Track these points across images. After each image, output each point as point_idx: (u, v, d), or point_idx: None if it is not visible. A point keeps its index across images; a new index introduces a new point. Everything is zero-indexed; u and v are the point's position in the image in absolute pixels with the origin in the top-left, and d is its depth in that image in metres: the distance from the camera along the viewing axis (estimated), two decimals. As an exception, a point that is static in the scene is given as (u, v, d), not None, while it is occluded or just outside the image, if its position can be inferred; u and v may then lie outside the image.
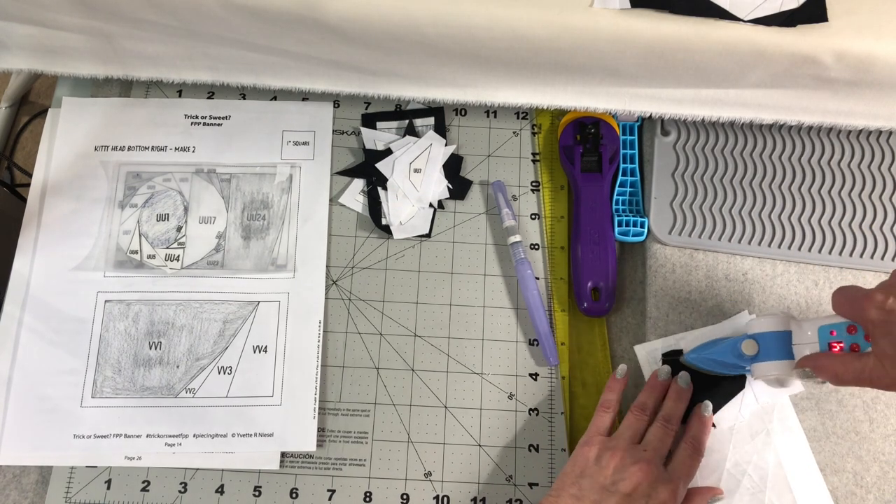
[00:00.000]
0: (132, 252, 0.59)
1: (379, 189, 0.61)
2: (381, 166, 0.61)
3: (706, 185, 0.59)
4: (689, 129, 0.61)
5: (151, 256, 0.58)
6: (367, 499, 0.53)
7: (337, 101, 0.64)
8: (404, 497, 0.53)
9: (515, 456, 0.54)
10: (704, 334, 0.55)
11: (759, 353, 0.48)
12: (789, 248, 0.57)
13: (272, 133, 0.62)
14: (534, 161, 0.62)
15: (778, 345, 0.47)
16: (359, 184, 0.61)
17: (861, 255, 0.57)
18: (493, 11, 0.50)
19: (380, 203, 0.60)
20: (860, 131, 0.59)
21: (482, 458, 0.54)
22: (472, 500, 0.53)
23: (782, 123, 0.56)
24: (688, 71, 0.53)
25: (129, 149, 0.61)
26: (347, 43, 0.53)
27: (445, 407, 0.55)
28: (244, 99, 0.63)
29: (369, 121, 0.63)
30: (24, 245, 0.58)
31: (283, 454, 0.54)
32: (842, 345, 0.44)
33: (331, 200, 0.61)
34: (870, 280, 0.56)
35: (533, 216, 0.61)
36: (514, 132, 0.63)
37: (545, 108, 0.58)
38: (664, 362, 0.54)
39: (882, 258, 0.56)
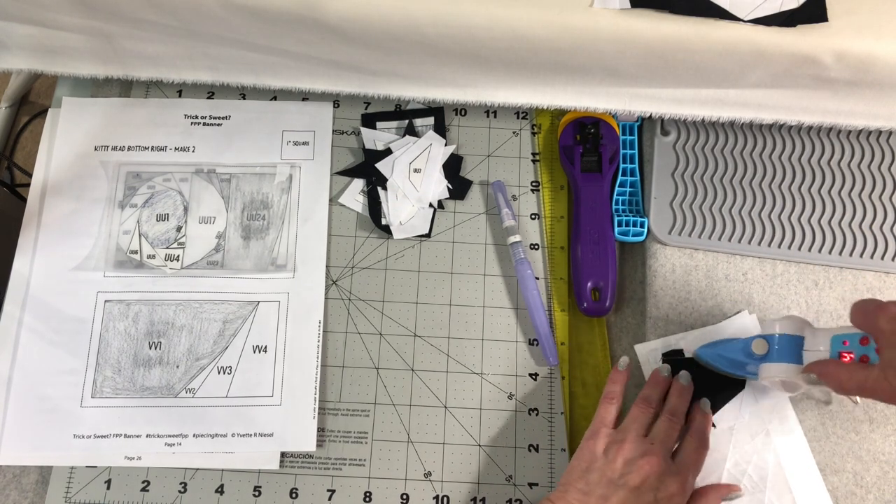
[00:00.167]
0: (132, 252, 0.59)
1: (379, 189, 0.61)
2: (381, 166, 0.61)
3: (706, 185, 0.59)
4: (689, 129, 0.61)
5: (151, 256, 0.58)
6: (367, 499, 0.53)
7: (337, 101, 0.64)
8: (404, 497, 0.53)
9: (515, 456, 0.54)
10: (704, 334, 0.55)
11: (769, 354, 0.47)
12: (789, 248, 0.57)
13: (272, 133, 0.62)
14: (534, 161, 0.62)
15: (788, 348, 0.47)
16: (359, 184, 0.61)
17: (861, 255, 0.57)
18: (493, 11, 0.50)
19: (380, 203, 0.60)
20: (860, 131, 0.59)
21: (482, 458, 0.54)
22: (472, 500, 0.53)
23: (782, 123, 0.56)
24: (688, 71, 0.53)
25: (129, 149, 0.61)
26: (347, 43, 0.53)
27: (445, 407, 0.55)
28: (244, 99, 0.63)
29: (369, 121, 0.63)
30: (24, 245, 0.58)
31: (283, 454, 0.54)
32: (852, 355, 0.43)
33: (331, 200, 0.61)
34: (870, 280, 0.56)
35: (533, 216, 0.61)
36: (514, 132, 0.63)
37: (545, 108, 0.58)
38: (664, 362, 0.54)
39: (882, 258, 0.56)
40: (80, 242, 0.58)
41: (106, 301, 0.57)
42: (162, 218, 0.60)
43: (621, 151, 0.60)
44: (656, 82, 0.55)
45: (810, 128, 0.60)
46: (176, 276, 0.58)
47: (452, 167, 0.62)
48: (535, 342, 0.57)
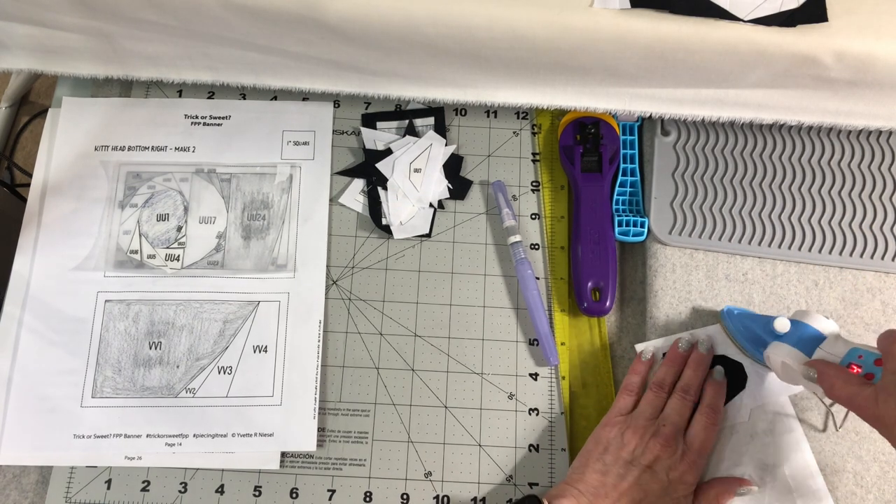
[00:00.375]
0: (132, 252, 0.59)
1: (379, 189, 0.61)
2: (381, 166, 0.61)
3: (706, 185, 0.59)
4: (689, 129, 0.61)
5: (151, 256, 0.58)
6: (368, 499, 0.53)
7: (337, 101, 0.64)
8: (404, 497, 0.53)
9: (515, 456, 0.54)
10: (704, 334, 0.55)
11: (786, 336, 0.48)
12: (789, 248, 0.57)
13: (272, 133, 0.62)
14: (534, 161, 0.62)
15: (806, 339, 0.47)
16: (359, 184, 0.61)
17: (861, 255, 0.57)
18: (493, 11, 0.50)
19: (380, 203, 0.60)
20: (860, 131, 0.60)
21: (482, 458, 0.54)
22: (472, 500, 0.53)
23: (782, 123, 0.56)
24: (688, 71, 0.53)
25: (130, 149, 0.61)
26: (347, 43, 0.53)
27: (445, 407, 0.55)
28: (244, 99, 0.63)
29: (369, 121, 0.63)
30: (24, 245, 0.58)
31: (284, 454, 0.54)
32: (860, 369, 0.43)
33: (331, 200, 0.61)
34: (870, 280, 0.56)
35: (533, 216, 0.61)
36: (514, 132, 0.63)
37: (545, 108, 0.58)
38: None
39: (882, 258, 0.56)
40: (80, 242, 0.58)
41: (106, 301, 0.57)
42: (162, 218, 0.60)
43: (621, 151, 0.60)
44: (656, 82, 0.55)
45: (810, 128, 0.60)
46: (176, 276, 0.58)
47: (453, 167, 0.62)
48: (536, 342, 0.57)
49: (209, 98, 0.64)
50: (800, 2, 0.50)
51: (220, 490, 0.53)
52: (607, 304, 0.56)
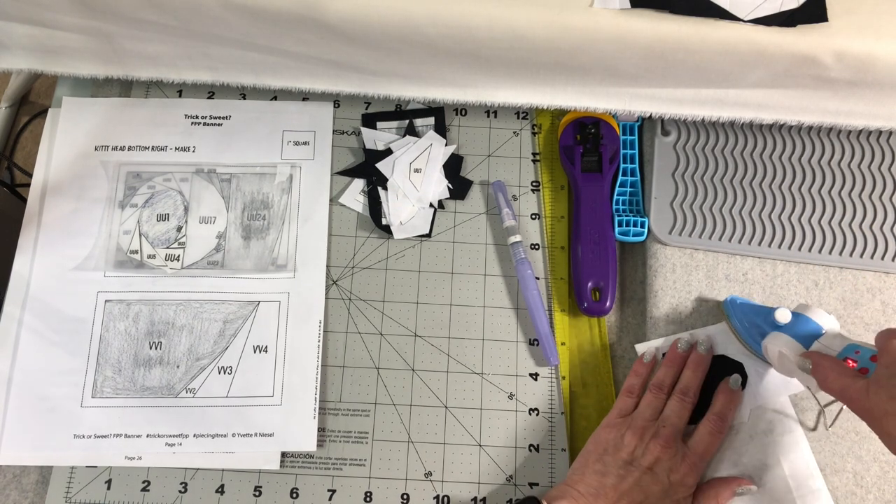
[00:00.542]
0: (132, 252, 0.59)
1: (379, 189, 0.61)
2: (382, 166, 0.61)
3: (706, 185, 0.59)
4: (689, 129, 0.61)
5: (151, 256, 0.58)
6: (368, 499, 0.53)
7: (337, 101, 0.64)
8: (404, 497, 0.53)
9: (515, 456, 0.54)
10: (704, 334, 0.55)
11: (785, 327, 0.48)
12: (789, 248, 0.57)
13: (272, 133, 0.62)
14: (534, 161, 0.62)
15: (806, 332, 0.47)
16: (359, 184, 0.61)
17: (861, 255, 0.57)
18: (493, 11, 0.50)
19: (380, 203, 0.60)
20: (860, 131, 0.60)
21: (482, 458, 0.54)
22: (472, 500, 0.53)
23: (782, 123, 0.56)
24: (688, 71, 0.53)
25: (130, 149, 0.61)
26: (347, 43, 0.53)
27: (446, 407, 0.55)
28: (244, 99, 0.63)
29: (369, 121, 0.63)
30: (24, 245, 0.58)
31: (284, 454, 0.54)
32: (856, 364, 0.43)
33: (331, 200, 0.61)
34: (870, 280, 0.56)
35: (533, 216, 0.61)
36: (514, 132, 0.63)
37: (545, 108, 0.58)
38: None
39: (882, 258, 0.56)
40: (80, 242, 0.58)
41: (106, 301, 0.57)
42: (162, 218, 0.60)
43: (621, 151, 0.60)
44: (656, 82, 0.55)
45: (810, 128, 0.60)
46: (176, 276, 0.58)
47: (453, 167, 0.62)
48: (536, 342, 0.57)
49: (209, 98, 0.64)
50: (800, 2, 0.50)
51: (221, 490, 0.53)
52: (607, 304, 0.56)
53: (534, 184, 0.62)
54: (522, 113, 0.64)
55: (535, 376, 0.56)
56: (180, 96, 0.64)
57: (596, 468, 0.48)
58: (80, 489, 0.53)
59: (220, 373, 0.55)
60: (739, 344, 0.53)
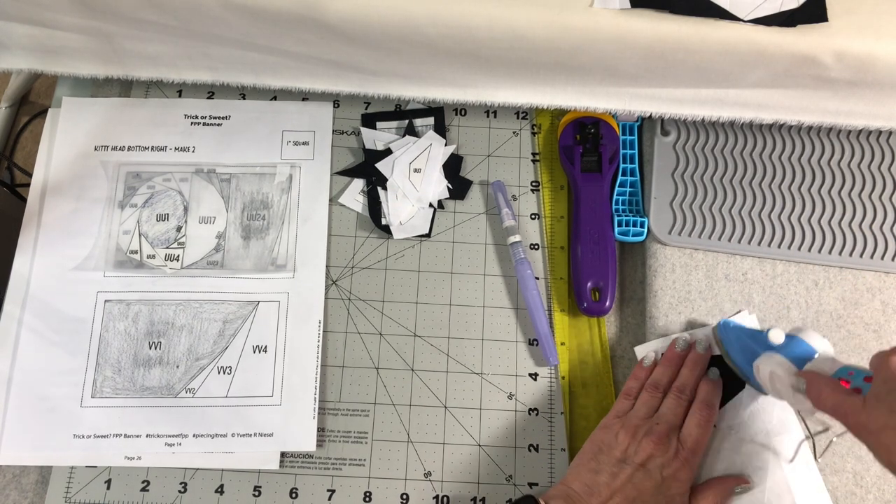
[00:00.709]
0: (132, 252, 0.59)
1: (379, 189, 0.61)
2: (381, 166, 0.61)
3: (706, 185, 0.59)
4: (689, 129, 0.61)
5: (151, 256, 0.58)
6: (367, 499, 0.53)
7: (337, 101, 0.64)
8: (404, 497, 0.53)
9: (515, 456, 0.54)
10: (704, 334, 0.55)
11: (779, 347, 0.47)
12: (789, 248, 0.57)
13: (272, 133, 0.62)
14: (534, 161, 0.62)
15: (798, 353, 0.46)
16: (359, 184, 0.61)
17: (861, 255, 0.57)
18: (493, 11, 0.50)
19: (380, 203, 0.60)
20: (860, 131, 0.59)
21: (482, 458, 0.54)
22: (471, 500, 0.53)
23: (782, 123, 0.56)
24: (688, 71, 0.53)
25: (129, 149, 0.61)
26: (347, 43, 0.53)
27: (445, 407, 0.55)
28: (244, 99, 0.63)
29: (369, 121, 0.63)
30: (24, 245, 0.58)
31: (283, 454, 0.54)
32: (849, 385, 0.43)
33: (331, 200, 0.61)
34: (870, 280, 0.56)
35: (533, 216, 0.61)
36: (514, 132, 0.63)
37: (545, 107, 0.58)
38: None
39: (882, 258, 0.56)
40: (80, 242, 0.58)
41: (106, 301, 0.57)
42: (162, 218, 0.60)
43: (621, 151, 0.60)
44: (656, 82, 0.55)
45: (810, 128, 0.60)
46: (176, 276, 0.58)
47: (452, 167, 0.62)
48: (535, 342, 0.57)
49: (209, 98, 0.64)
50: (800, 2, 0.50)
51: (220, 490, 0.53)
52: (607, 304, 0.56)
53: (533, 184, 0.62)
54: (522, 113, 0.64)
55: (534, 376, 0.56)
56: (180, 96, 0.64)
57: (590, 467, 0.48)
58: (80, 489, 0.53)
59: (219, 373, 0.55)
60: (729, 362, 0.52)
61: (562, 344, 0.57)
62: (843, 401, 0.41)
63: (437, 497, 0.53)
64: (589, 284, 0.57)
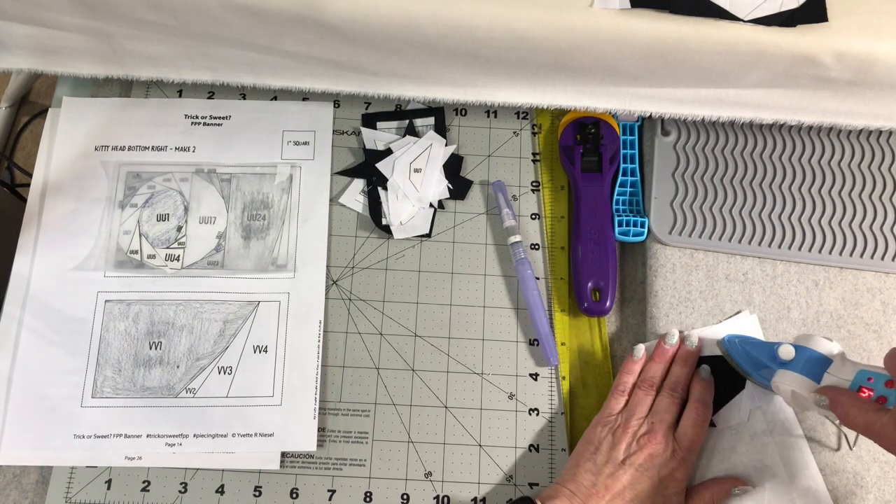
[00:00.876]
0: (132, 252, 0.59)
1: (379, 189, 0.61)
2: (382, 166, 0.61)
3: (706, 185, 0.59)
4: (689, 129, 0.61)
5: (151, 256, 0.58)
6: (368, 499, 0.53)
7: (337, 101, 0.64)
8: (404, 497, 0.53)
9: (515, 456, 0.54)
10: (705, 334, 0.55)
11: (792, 363, 0.47)
12: (789, 248, 0.57)
13: (272, 133, 0.62)
14: (534, 161, 0.62)
15: (812, 364, 0.46)
16: (359, 184, 0.61)
17: (861, 255, 0.57)
18: (493, 11, 0.50)
19: (380, 203, 0.60)
20: (860, 131, 0.60)
21: (482, 458, 0.54)
22: (472, 501, 0.53)
23: (782, 123, 0.56)
24: (688, 71, 0.53)
25: (129, 149, 0.61)
26: (347, 43, 0.53)
27: (445, 407, 0.55)
28: (244, 99, 0.63)
29: (369, 121, 0.63)
30: (24, 245, 0.58)
31: (284, 454, 0.54)
32: (871, 392, 0.43)
33: (331, 200, 0.61)
34: (870, 280, 0.56)
35: (533, 216, 0.61)
36: (514, 132, 0.63)
37: (545, 107, 0.58)
38: None
39: (882, 258, 0.56)
40: (80, 242, 0.58)
41: (106, 301, 0.57)
42: (162, 218, 0.60)
43: (621, 151, 0.60)
44: (656, 82, 0.55)
45: (810, 128, 0.60)
46: (176, 276, 0.58)
47: (453, 167, 0.62)
48: (536, 342, 0.57)
49: (209, 98, 0.64)
50: (800, 2, 0.50)
51: (220, 490, 0.53)
52: (607, 304, 0.56)
53: (534, 184, 0.62)
54: (522, 113, 0.64)
55: (535, 376, 0.56)
56: (180, 96, 0.64)
57: (587, 467, 0.48)
58: (80, 489, 0.53)
59: (220, 373, 0.55)
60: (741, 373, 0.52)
61: (562, 344, 0.57)
62: (873, 421, 0.40)
63: (437, 497, 0.53)
64: (589, 284, 0.57)
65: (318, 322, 0.57)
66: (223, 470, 0.54)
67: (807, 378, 0.46)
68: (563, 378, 0.56)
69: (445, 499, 0.53)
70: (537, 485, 0.53)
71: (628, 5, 0.50)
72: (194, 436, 0.54)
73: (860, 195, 0.58)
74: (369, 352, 0.57)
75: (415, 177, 0.61)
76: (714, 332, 0.55)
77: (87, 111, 0.62)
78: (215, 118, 0.63)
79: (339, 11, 0.50)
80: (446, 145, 0.62)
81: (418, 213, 0.60)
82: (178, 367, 0.56)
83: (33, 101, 1.26)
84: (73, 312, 0.56)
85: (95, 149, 0.61)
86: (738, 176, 0.59)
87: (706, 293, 0.56)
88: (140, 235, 0.59)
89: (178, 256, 0.59)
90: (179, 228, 0.59)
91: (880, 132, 0.60)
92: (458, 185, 0.61)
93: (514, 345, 0.57)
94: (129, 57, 0.58)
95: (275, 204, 0.60)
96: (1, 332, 0.56)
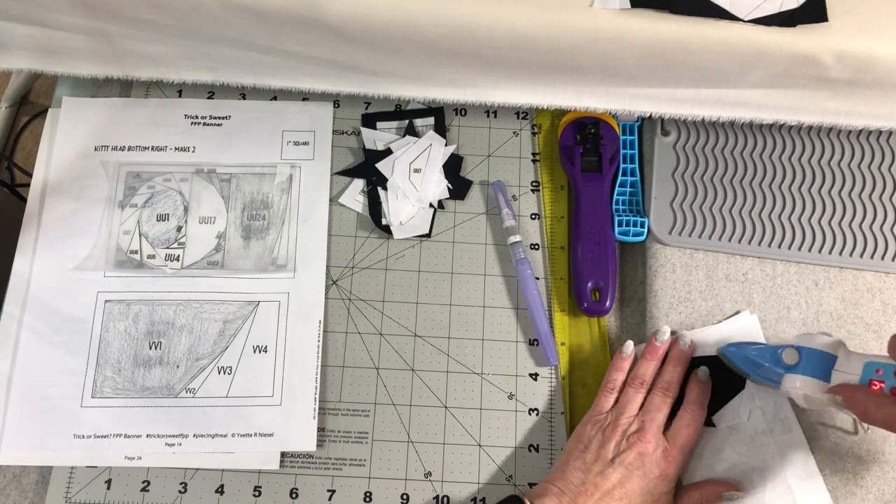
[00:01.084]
0: (132, 252, 0.59)
1: (379, 189, 0.61)
2: (381, 166, 0.61)
3: (706, 185, 0.59)
4: (689, 129, 0.61)
5: (151, 256, 0.58)
6: (367, 499, 0.53)
7: (337, 101, 0.64)
8: (404, 497, 0.53)
9: (515, 456, 0.54)
10: (705, 334, 0.55)
11: (797, 365, 0.47)
12: (789, 248, 0.57)
13: (272, 133, 0.62)
14: (534, 161, 0.62)
15: (819, 364, 0.46)
16: (359, 184, 0.61)
17: (861, 255, 0.57)
18: (493, 11, 0.50)
19: (380, 203, 0.60)
20: (860, 131, 0.59)
21: (482, 458, 0.54)
22: (472, 500, 0.53)
23: (782, 123, 0.56)
24: (688, 71, 0.53)
25: (129, 149, 0.61)
26: (347, 43, 0.53)
27: (445, 407, 0.55)
28: (244, 99, 0.63)
29: (369, 121, 0.63)
30: (24, 245, 0.58)
31: (283, 454, 0.54)
32: (883, 385, 0.42)
33: (331, 200, 0.61)
34: (870, 280, 0.56)
35: (533, 216, 0.61)
36: (514, 132, 0.63)
37: (545, 108, 0.58)
38: None
39: (882, 258, 0.56)
40: (80, 242, 0.58)
41: (106, 301, 0.57)
42: (162, 218, 0.60)
43: (621, 151, 0.60)
44: (656, 82, 0.55)
45: (810, 128, 0.60)
46: (176, 276, 0.58)
47: (453, 167, 0.62)
48: (536, 342, 0.57)
49: (209, 98, 0.64)
50: (800, 2, 0.50)
51: (220, 490, 0.53)
52: (607, 304, 0.56)
53: (534, 184, 0.62)
54: (522, 113, 0.64)
55: (534, 376, 0.56)
56: (180, 96, 0.64)
57: (577, 465, 0.48)
58: (80, 489, 0.53)
59: (219, 373, 0.55)
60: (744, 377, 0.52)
61: (562, 344, 0.57)
62: (892, 415, 0.40)
63: (437, 497, 0.53)
64: (589, 284, 0.57)
65: (317, 322, 0.57)
66: (223, 470, 0.54)
67: (816, 379, 0.46)
68: (563, 378, 0.56)
69: (445, 499, 0.53)
70: (536, 484, 0.53)
71: (628, 5, 0.50)
72: (194, 436, 0.54)
73: (860, 195, 0.58)
74: (369, 352, 0.57)
75: (415, 177, 0.61)
76: (712, 332, 0.55)
77: (87, 111, 0.62)
78: (215, 118, 0.63)
79: (339, 11, 0.50)
80: (446, 145, 0.62)
81: (418, 213, 0.60)
82: (177, 367, 0.56)
83: (33, 101, 1.26)
84: (73, 312, 0.56)
85: (95, 149, 0.61)
86: (738, 176, 0.59)
87: (706, 293, 0.56)
88: (140, 235, 0.59)
89: (178, 256, 0.59)
90: (179, 228, 0.59)
91: (880, 132, 0.60)
92: (458, 185, 0.61)
93: (514, 345, 0.57)
94: (129, 57, 0.58)
95: (275, 204, 0.60)
96: (1, 332, 0.56)
